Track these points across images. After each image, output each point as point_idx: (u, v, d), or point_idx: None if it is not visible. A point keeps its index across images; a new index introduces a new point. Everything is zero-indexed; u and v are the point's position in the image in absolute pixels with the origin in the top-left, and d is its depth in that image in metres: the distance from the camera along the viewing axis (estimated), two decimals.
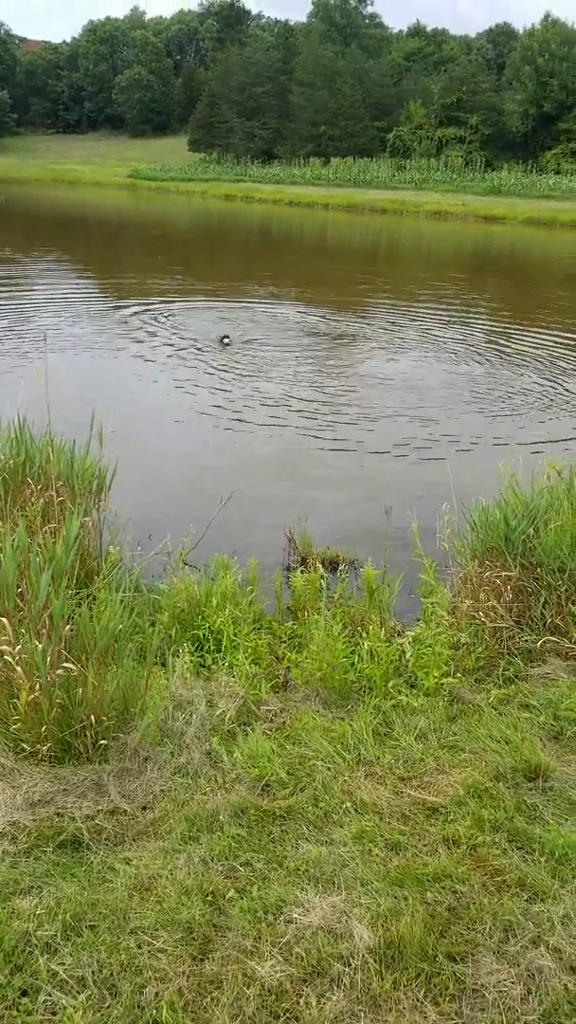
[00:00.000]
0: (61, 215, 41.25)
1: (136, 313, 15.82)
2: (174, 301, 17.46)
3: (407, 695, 4.08)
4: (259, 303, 18.09)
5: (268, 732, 3.73)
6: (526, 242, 36.25)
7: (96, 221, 39.35)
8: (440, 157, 61.78)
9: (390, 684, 4.17)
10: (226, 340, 13.02)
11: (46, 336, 10.52)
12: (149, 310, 16.23)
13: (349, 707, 4.01)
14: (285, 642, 4.85)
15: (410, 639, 4.46)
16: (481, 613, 4.66)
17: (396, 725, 3.79)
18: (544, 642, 4.41)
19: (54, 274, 21.42)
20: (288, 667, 4.48)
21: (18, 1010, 2.27)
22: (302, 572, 5.43)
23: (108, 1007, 2.29)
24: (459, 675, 4.27)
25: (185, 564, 5.43)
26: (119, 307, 16.40)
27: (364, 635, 4.45)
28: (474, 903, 2.67)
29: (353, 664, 4.30)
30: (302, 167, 62.95)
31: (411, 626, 4.72)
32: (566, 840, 2.95)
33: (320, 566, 5.52)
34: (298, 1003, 2.31)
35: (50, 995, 2.32)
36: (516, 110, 61.88)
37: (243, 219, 43.29)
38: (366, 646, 4.32)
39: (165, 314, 15.95)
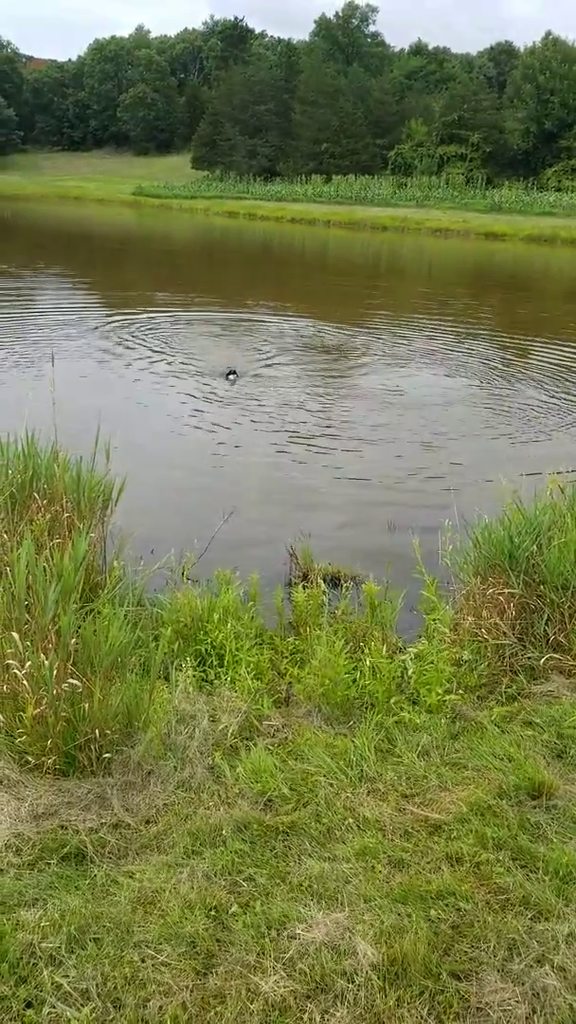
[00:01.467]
0: (67, 231, 41.62)
1: (137, 326, 15.95)
2: (177, 314, 17.61)
3: (409, 712, 4.09)
4: (263, 317, 18.22)
5: (271, 747, 3.74)
6: (528, 259, 36.53)
7: (101, 237, 39.70)
8: (441, 175, 62.39)
9: (392, 701, 4.19)
10: (232, 376, 12.05)
11: (53, 356, 10.61)
12: (152, 323, 16.36)
13: (351, 723, 4.03)
14: (287, 657, 4.88)
15: (412, 656, 4.48)
16: (483, 630, 4.68)
17: (398, 742, 3.80)
18: (547, 659, 4.43)
19: (59, 289, 21.60)
20: (290, 683, 4.49)
21: (23, 1022, 2.28)
22: (304, 588, 5.45)
23: (112, 1020, 2.30)
24: (461, 692, 4.29)
25: (187, 579, 5.46)
26: (119, 321, 16.53)
27: (366, 651, 4.47)
28: (478, 921, 2.68)
29: (355, 680, 4.32)
30: (304, 184, 63.56)
31: (413, 643, 4.73)
32: (570, 859, 2.96)
33: (322, 582, 5.55)
34: (302, 1019, 2.32)
35: (54, 1007, 2.32)
36: (517, 128, 62.54)
37: (246, 236, 43.66)
38: (368, 662, 4.34)
39: (166, 327, 16.08)
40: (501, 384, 13.08)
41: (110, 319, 16.90)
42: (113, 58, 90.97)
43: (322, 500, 7.98)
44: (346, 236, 45.36)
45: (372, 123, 67.45)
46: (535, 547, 4.75)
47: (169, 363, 13.16)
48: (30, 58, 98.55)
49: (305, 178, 65.14)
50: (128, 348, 14.15)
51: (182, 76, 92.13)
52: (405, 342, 16.33)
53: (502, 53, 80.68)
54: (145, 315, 17.44)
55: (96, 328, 15.74)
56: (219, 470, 8.69)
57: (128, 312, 17.73)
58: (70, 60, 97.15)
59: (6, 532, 4.78)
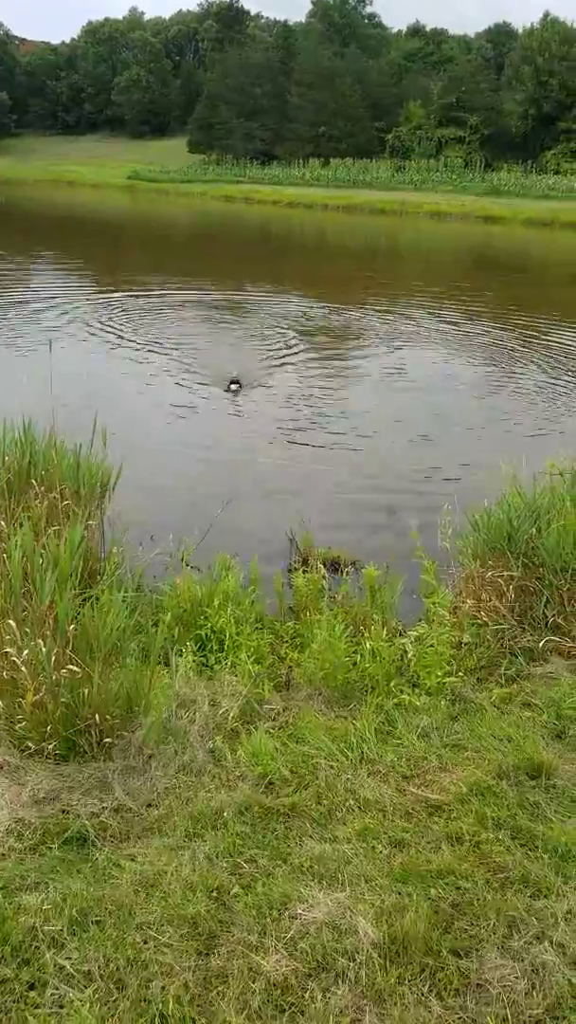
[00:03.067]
0: (60, 216, 41.27)
1: (134, 310, 15.87)
2: (173, 295, 17.51)
3: (409, 694, 4.10)
4: (261, 300, 18.12)
5: (271, 731, 3.75)
6: (526, 242, 36.30)
7: (96, 222, 39.37)
8: (439, 158, 61.80)
9: (392, 683, 4.20)
10: (234, 386, 10.74)
11: (51, 343, 10.56)
12: (147, 306, 16.28)
13: (351, 706, 4.04)
14: (287, 642, 4.88)
15: (412, 639, 4.49)
16: (483, 613, 4.69)
17: (398, 724, 3.81)
18: (546, 642, 4.43)
19: (53, 274, 21.46)
20: (290, 666, 4.50)
21: (26, 1003, 2.30)
22: (304, 573, 5.45)
23: (115, 1000, 2.31)
24: (461, 674, 4.30)
25: (187, 565, 5.46)
26: (115, 304, 16.44)
27: (366, 635, 4.48)
28: (478, 899, 2.69)
29: (355, 664, 4.33)
30: (301, 168, 62.96)
31: (413, 626, 4.74)
32: (569, 837, 2.97)
33: (322, 566, 5.55)
34: (303, 997, 2.34)
35: (57, 988, 2.34)
36: (516, 110, 61.88)
37: (243, 220, 43.33)
38: (368, 646, 4.35)
39: (159, 311, 15.99)
40: (503, 367, 13.03)
41: (103, 304, 16.79)
42: (107, 40, 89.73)
43: (322, 485, 7.97)
44: (344, 220, 45.04)
45: (370, 106, 66.69)
46: (534, 530, 4.75)
47: (165, 351, 13.10)
48: (23, 40, 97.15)
49: (303, 161, 64.50)
50: (119, 334, 14.07)
51: (177, 58, 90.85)
52: (405, 324, 16.25)
53: (500, 34, 79.60)
54: (139, 299, 17.34)
55: (88, 313, 15.64)
56: (217, 457, 8.67)
57: (121, 296, 17.62)
58: (63, 42, 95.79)
59: (3, 519, 4.77)
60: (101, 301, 17.27)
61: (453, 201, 47.71)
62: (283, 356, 13.11)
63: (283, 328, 15.30)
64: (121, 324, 14.88)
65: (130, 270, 23.02)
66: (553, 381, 12.18)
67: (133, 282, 19.96)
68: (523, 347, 14.44)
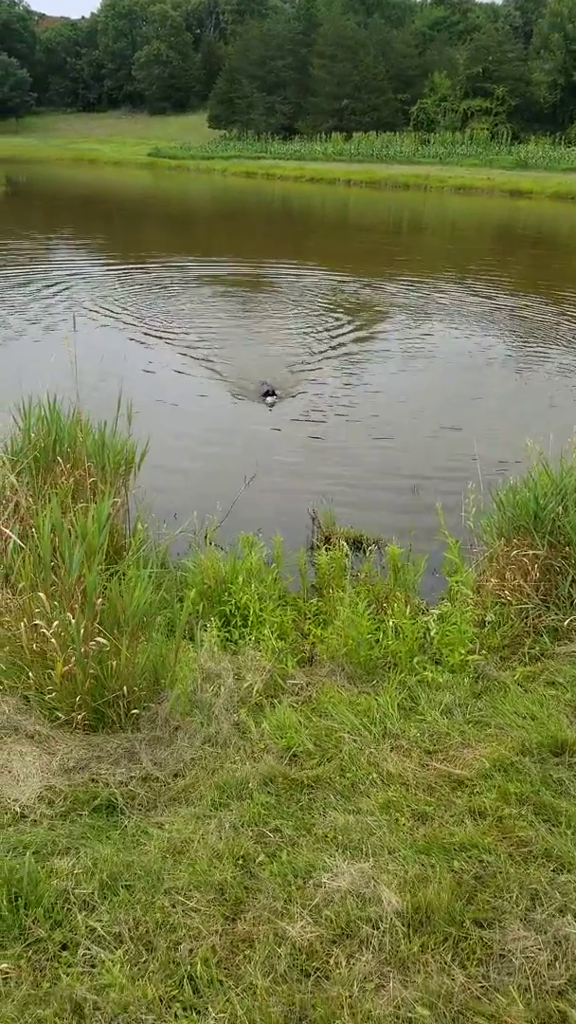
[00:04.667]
0: (82, 195, 41.14)
1: (155, 287, 15.84)
2: (194, 273, 17.44)
3: (432, 671, 4.12)
4: (285, 275, 17.99)
5: (295, 705, 3.79)
6: (555, 217, 35.53)
7: (117, 200, 39.21)
8: (465, 130, 60.47)
9: (415, 660, 4.21)
10: (270, 398, 9.48)
11: (74, 319, 10.58)
12: (169, 283, 16.24)
13: (374, 682, 4.06)
14: (310, 618, 4.91)
15: (435, 617, 4.49)
16: (507, 592, 4.67)
17: (421, 700, 3.83)
18: (571, 620, 4.41)
19: (74, 253, 21.45)
20: (313, 643, 4.54)
21: (59, 962, 2.37)
22: (326, 551, 5.46)
23: (145, 962, 2.38)
24: (484, 652, 4.30)
25: (210, 543, 5.50)
26: (136, 282, 16.42)
27: (389, 613, 4.49)
28: (500, 872, 2.72)
29: (378, 640, 4.35)
30: (323, 143, 62.03)
31: (436, 605, 4.74)
32: None
33: (344, 544, 5.56)
34: (328, 962, 2.39)
35: (89, 949, 2.41)
36: (544, 80, 60.22)
37: (264, 197, 42.88)
38: (391, 623, 4.36)
39: (183, 289, 15.95)
40: (533, 344, 12.84)
41: (124, 281, 16.78)
42: (127, 14, 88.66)
43: (345, 464, 7.95)
44: (367, 195, 44.38)
45: (393, 77, 65.34)
46: (560, 508, 4.71)
47: (186, 330, 13.08)
48: (42, 16, 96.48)
49: (325, 136, 63.53)
50: (139, 313, 14.06)
51: (198, 32, 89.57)
52: (433, 299, 16.05)
53: (529, 1, 77.40)
54: (161, 276, 17.29)
55: (107, 292, 15.64)
56: (239, 436, 8.67)
57: (142, 273, 17.59)
58: (83, 17, 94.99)
59: (31, 496, 4.83)
60: (123, 278, 17.25)
61: (479, 175, 46.76)
62: (310, 332, 13.04)
63: (311, 303, 15.18)
64: (140, 303, 14.87)
65: (152, 248, 22.93)
66: None
67: (155, 259, 19.90)
68: (557, 323, 14.21)
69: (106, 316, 13.61)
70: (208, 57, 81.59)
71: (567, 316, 14.81)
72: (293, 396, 9.85)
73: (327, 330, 13.27)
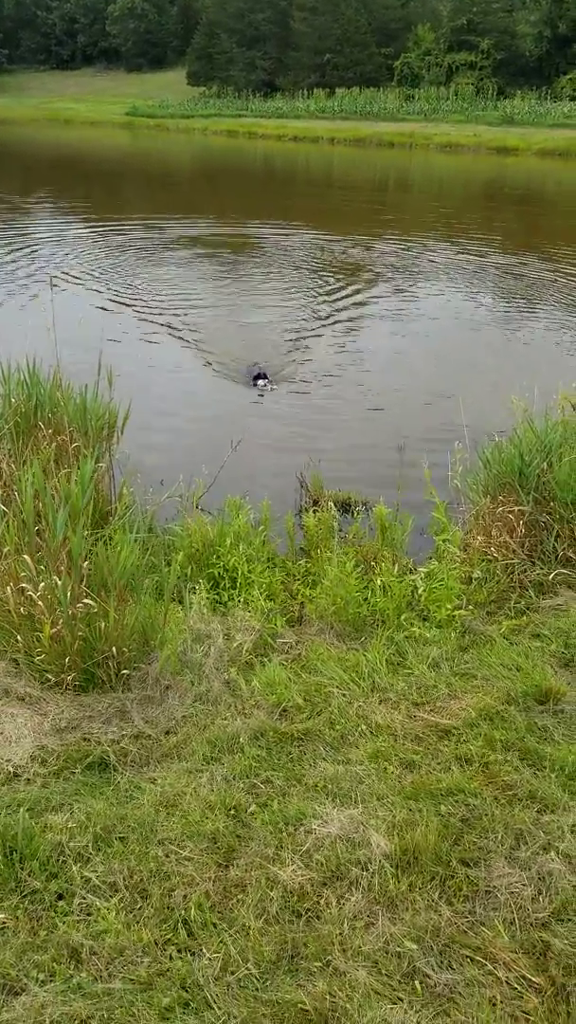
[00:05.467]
0: (57, 156, 40.09)
1: (136, 249, 15.56)
2: (175, 233, 17.14)
3: (420, 627, 4.17)
4: (270, 236, 17.70)
5: (284, 663, 3.84)
6: (541, 174, 35.04)
7: (94, 161, 38.23)
8: (450, 85, 59.14)
9: (403, 617, 4.26)
10: (262, 382, 8.66)
11: (51, 281, 10.37)
12: (151, 245, 15.95)
13: (363, 639, 4.11)
14: (299, 579, 4.94)
15: (422, 575, 4.53)
16: (493, 549, 4.71)
17: (409, 655, 3.88)
18: (556, 574, 4.47)
19: (52, 217, 20.97)
20: (302, 602, 4.57)
21: (55, 911, 2.43)
22: (314, 513, 5.47)
23: (140, 908, 2.44)
24: (471, 608, 4.35)
25: (198, 507, 5.49)
26: (115, 244, 16.11)
27: (377, 572, 4.52)
28: (486, 814, 2.79)
29: (366, 599, 4.38)
30: (306, 99, 60.53)
31: (424, 564, 4.78)
32: None
33: (332, 506, 5.57)
34: (319, 903, 2.45)
35: (84, 898, 2.47)
36: (530, 32, 58.76)
37: (246, 156, 41.96)
38: (379, 582, 4.40)
39: (167, 251, 15.68)
40: (520, 304, 12.75)
41: (102, 245, 16.45)
42: None
43: (333, 427, 7.92)
44: (352, 154, 43.51)
45: (376, 30, 63.52)
46: (545, 464, 4.73)
47: (167, 294, 12.88)
48: None
49: (307, 92, 61.96)
50: (119, 275, 13.83)
51: None
52: (419, 261, 15.86)
53: None
54: (141, 239, 16.97)
55: (87, 255, 15.33)
56: (225, 402, 8.60)
57: (121, 236, 17.25)
58: None
59: (12, 462, 4.80)
60: (100, 242, 16.91)
61: (465, 131, 45.86)
62: (294, 295, 12.88)
63: (295, 264, 14.98)
64: (119, 265, 14.60)
65: (131, 210, 22.45)
66: (567, 317, 11.93)
67: (134, 221, 19.51)
68: (541, 280, 14.10)
69: (84, 281, 13.37)
70: (185, 11, 78.97)
71: (561, 274, 14.70)
72: (292, 380, 9.05)
73: (316, 293, 13.11)
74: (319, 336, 10.77)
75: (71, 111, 63.79)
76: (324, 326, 11.26)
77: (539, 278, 14.44)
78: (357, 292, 13.43)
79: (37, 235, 17.68)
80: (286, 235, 18.35)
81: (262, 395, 8.41)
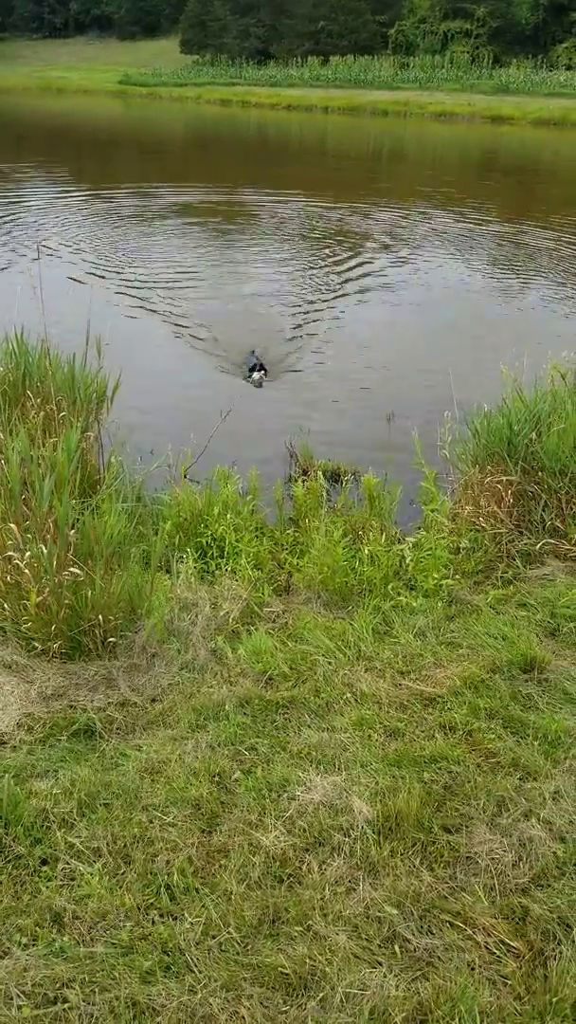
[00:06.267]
0: (50, 126, 39.29)
1: (128, 217, 15.31)
2: (176, 198, 16.86)
3: (407, 596, 4.16)
4: (265, 204, 17.44)
5: (271, 631, 3.83)
6: (536, 144, 34.54)
7: (87, 130, 37.49)
8: (445, 53, 58.02)
9: (390, 586, 4.25)
10: (257, 374, 8.12)
11: (39, 248, 10.19)
12: (145, 213, 15.70)
13: (350, 608, 4.10)
14: (287, 549, 4.92)
15: (410, 545, 4.52)
16: (481, 519, 4.70)
17: (395, 624, 3.88)
18: (543, 544, 4.46)
19: (44, 185, 20.59)
20: (290, 572, 4.55)
21: (39, 876, 2.43)
22: (303, 483, 5.44)
23: (123, 873, 2.44)
24: (458, 577, 4.35)
25: (186, 477, 5.45)
26: (112, 215, 15.84)
27: (365, 541, 4.51)
28: (469, 781, 2.80)
29: (354, 568, 4.37)
30: (300, 67, 59.33)
31: (412, 534, 4.76)
32: (559, 725, 3.07)
33: (321, 476, 5.54)
34: (301, 869, 2.46)
35: (68, 863, 2.47)
36: (525, 0, 57.59)
37: (240, 125, 41.22)
38: (366, 551, 4.38)
39: (160, 219, 15.43)
40: (514, 275, 12.62)
41: (92, 212, 16.17)
42: None
43: (323, 397, 7.85)
44: (346, 122, 42.77)
45: None
46: (534, 434, 4.70)
47: (157, 264, 12.70)
48: None
49: (301, 60, 60.73)
50: (109, 245, 13.61)
51: None
52: (420, 227, 15.66)
53: None
54: (134, 206, 16.69)
55: (77, 224, 15.08)
56: (214, 370, 8.51)
57: (113, 203, 16.96)
58: None
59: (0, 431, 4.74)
60: (90, 209, 16.62)
61: (460, 100, 45.11)
62: (294, 263, 12.71)
63: (280, 231, 14.77)
64: (110, 233, 14.36)
65: (124, 179, 22.04)
66: (560, 285, 11.82)
67: (127, 189, 19.18)
68: (555, 248, 13.96)
69: (74, 251, 13.15)
70: None
71: (563, 242, 14.54)
72: (286, 356, 8.70)
73: (313, 262, 12.94)
74: (312, 304, 10.65)
75: (63, 80, 62.43)
76: (318, 295, 11.13)
77: (536, 247, 14.28)
78: (351, 259, 13.26)
79: (27, 202, 17.36)
80: (282, 202, 18.08)
81: (260, 386, 8.01)
